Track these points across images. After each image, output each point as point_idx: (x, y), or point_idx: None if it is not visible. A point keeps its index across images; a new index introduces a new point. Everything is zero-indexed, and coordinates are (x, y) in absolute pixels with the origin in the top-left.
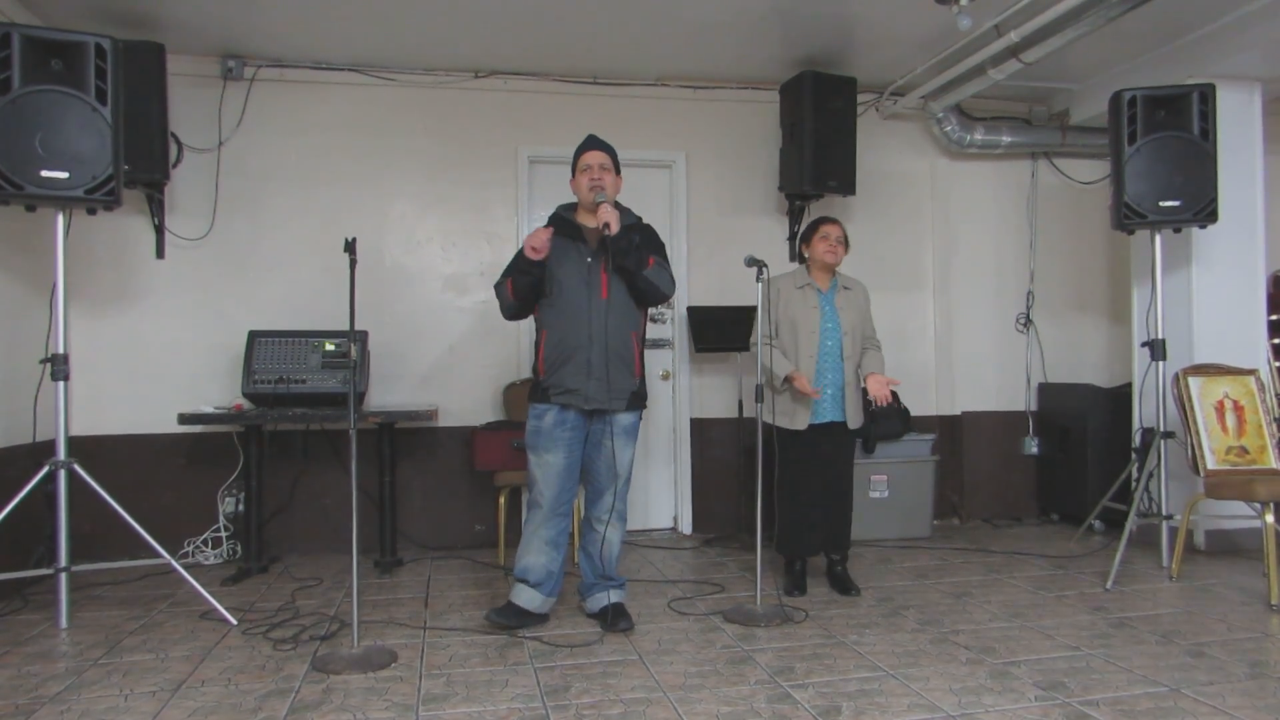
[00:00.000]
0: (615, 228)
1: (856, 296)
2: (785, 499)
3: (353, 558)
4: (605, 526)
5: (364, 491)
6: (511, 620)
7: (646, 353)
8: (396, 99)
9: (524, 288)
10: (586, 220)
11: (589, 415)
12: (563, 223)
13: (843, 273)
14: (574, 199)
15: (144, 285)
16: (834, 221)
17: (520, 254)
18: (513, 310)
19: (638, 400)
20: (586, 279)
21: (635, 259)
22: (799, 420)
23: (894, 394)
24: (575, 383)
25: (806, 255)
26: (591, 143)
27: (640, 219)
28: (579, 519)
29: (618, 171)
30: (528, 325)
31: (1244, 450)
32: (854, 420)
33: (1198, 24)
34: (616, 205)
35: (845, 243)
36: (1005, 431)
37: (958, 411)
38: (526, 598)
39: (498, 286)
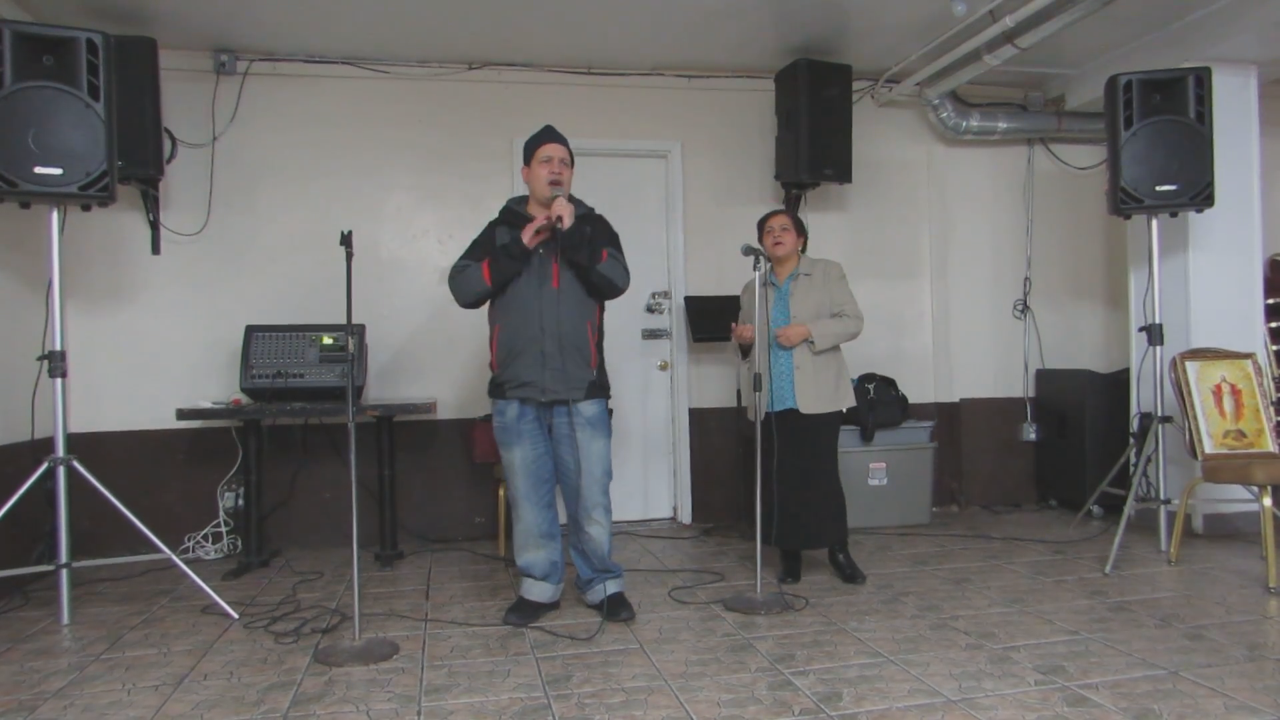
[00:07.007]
0: (568, 222)
1: (816, 280)
2: (766, 490)
3: (353, 551)
4: (590, 523)
5: (363, 485)
6: (529, 617)
7: (645, 343)
8: (390, 91)
9: (510, 275)
10: (537, 212)
11: (549, 407)
12: (515, 216)
13: (809, 257)
14: (524, 190)
15: (140, 281)
16: (778, 213)
17: (515, 240)
18: (480, 297)
19: (597, 389)
20: (538, 270)
21: (588, 253)
22: (757, 411)
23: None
24: (530, 375)
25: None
26: (552, 134)
27: (592, 210)
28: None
29: (571, 165)
30: None
31: (1241, 434)
32: (806, 406)
33: (1193, 7)
34: (570, 199)
35: (796, 229)
36: (1003, 418)
37: (956, 398)
38: (538, 591)
39: (462, 272)
